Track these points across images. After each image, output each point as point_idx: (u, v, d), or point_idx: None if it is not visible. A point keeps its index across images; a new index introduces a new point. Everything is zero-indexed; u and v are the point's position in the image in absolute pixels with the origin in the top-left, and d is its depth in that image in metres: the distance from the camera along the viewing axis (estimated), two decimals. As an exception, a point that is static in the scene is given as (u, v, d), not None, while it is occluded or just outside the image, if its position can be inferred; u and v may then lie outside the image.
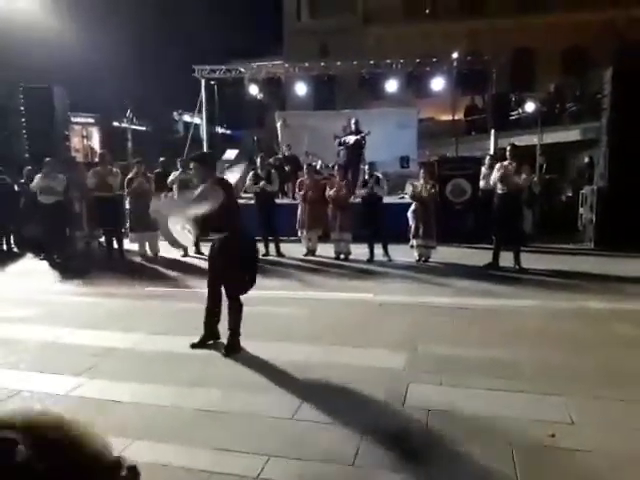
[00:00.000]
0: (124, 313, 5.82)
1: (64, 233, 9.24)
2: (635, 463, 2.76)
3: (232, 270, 4.42)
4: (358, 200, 9.11)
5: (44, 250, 9.28)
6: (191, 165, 4.64)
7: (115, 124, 19.41)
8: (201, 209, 4.12)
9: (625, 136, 9.52)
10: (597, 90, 11.47)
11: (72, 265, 8.66)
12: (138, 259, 9.20)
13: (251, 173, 9.96)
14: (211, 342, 4.66)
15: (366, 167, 9.13)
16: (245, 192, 10.68)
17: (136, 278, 7.63)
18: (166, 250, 9.56)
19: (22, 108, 10.93)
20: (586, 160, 12.65)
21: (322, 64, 15.93)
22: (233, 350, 4.44)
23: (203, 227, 4.43)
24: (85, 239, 9.73)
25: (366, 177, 8.89)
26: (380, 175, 9.03)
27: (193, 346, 4.57)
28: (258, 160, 10.07)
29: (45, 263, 9.00)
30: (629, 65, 14.91)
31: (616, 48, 20.66)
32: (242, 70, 15.42)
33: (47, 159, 8.94)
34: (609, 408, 3.38)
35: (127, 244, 9.62)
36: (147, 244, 9.34)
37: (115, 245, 9.32)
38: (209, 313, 4.65)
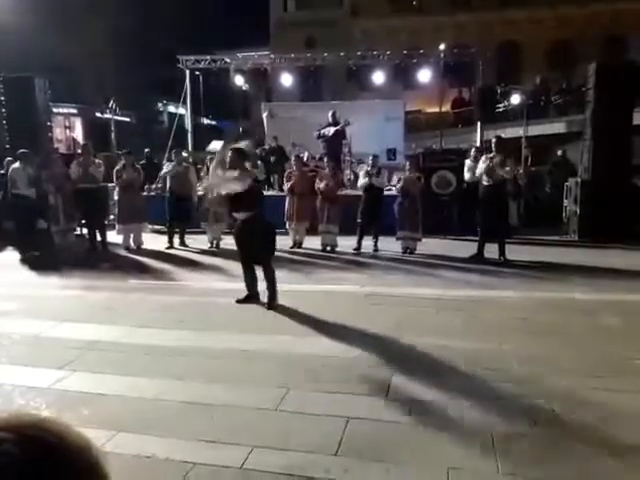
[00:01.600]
0: (107, 306, 5.76)
1: (34, 226, 9.08)
2: (619, 450, 2.79)
3: (265, 240, 5.39)
4: (351, 192, 9.16)
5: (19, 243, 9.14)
6: (230, 154, 5.36)
7: (98, 115, 19.15)
8: (236, 187, 5.20)
9: (608, 129, 9.61)
10: (582, 83, 11.55)
11: (54, 258, 8.54)
12: (122, 251, 9.10)
13: None
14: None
15: (370, 158, 9.13)
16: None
17: (119, 271, 7.56)
18: (150, 243, 9.51)
19: (2, 98, 10.72)
20: (559, 153, 12.75)
21: (308, 55, 15.85)
22: (275, 302, 5.50)
23: (237, 205, 5.37)
24: (60, 233, 9.59)
25: (368, 169, 8.88)
26: (380, 167, 9.09)
27: (239, 301, 5.57)
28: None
29: (25, 256, 8.87)
30: (613, 59, 15.10)
31: (600, 42, 20.86)
32: (227, 60, 15.30)
33: (21, 150, 8.79)
34: (592, 397, 3.42)
35: (113, 236, 9.52)
36: (131, 236, 9.24)
37: (98, 237, 9.20)
38: (252, 275, 5.63)
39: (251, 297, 5.63)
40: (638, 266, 7.36)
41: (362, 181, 8.93)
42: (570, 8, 22.41)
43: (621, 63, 12.33)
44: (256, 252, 5.44)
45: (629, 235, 9.00)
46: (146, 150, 12.55)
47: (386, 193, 10.11)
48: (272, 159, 12.32)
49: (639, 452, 2.79)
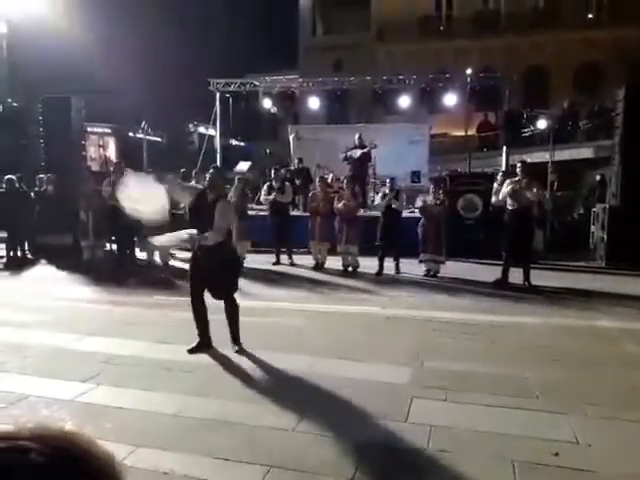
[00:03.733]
0: (132, 321, 5.88)
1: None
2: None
3: (231, 272, 4.84)
4: (374, 213, 9.22)
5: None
6: (210, 172, 5.01)
7: (131, 135, 19.68)
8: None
9: (638, 155, 9.47)
10: (610, 108, 11.44)
11: (83, 273, 8.75)
12: (147, 267, 9.28)
13: (265, 185, 10.21)
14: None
15: (387, 181, 9.19)
16: (259, 203, 10.89)
17: (145, 286, 7.70)
18: (176, 260, 9.67)
19: (40, 118, 11.16)
20: (597, 178, 12.60)
21: (335, 79, 16.08)
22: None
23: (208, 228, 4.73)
24: (90, 248, 9.84)
25: (386, 191, 8.93)
26: (400, 189, 9.14)
27: (191, 351, 4.74)
28: (272, 172, 10.31)
29: (57, 270, 9.12)
30: (643, 83, 14.89)
31: (630, 65, 20.63)
32: (256, 84, 15.61)
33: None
34: (616, 428, 3.35)
35: (140, 253, 9.73)
36: (157, 253, 9.42)
37: (127, 253, 9.41)
38: (205, 318, 4.88)
39: (204, 342, 4.88)
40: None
41: (378, 202, 9.01)
42: (598, 31, 22.28)
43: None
44: (220, 285, 4.78)
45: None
46: (182, 170, 12.83)
47: (409, 215, 10.13)
48: (297, 180, 12.47)
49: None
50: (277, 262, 9.62)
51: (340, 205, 8.95)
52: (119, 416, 3.48)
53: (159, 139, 20.11)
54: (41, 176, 10.57)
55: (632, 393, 3.89)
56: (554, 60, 22.95)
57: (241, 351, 4.73)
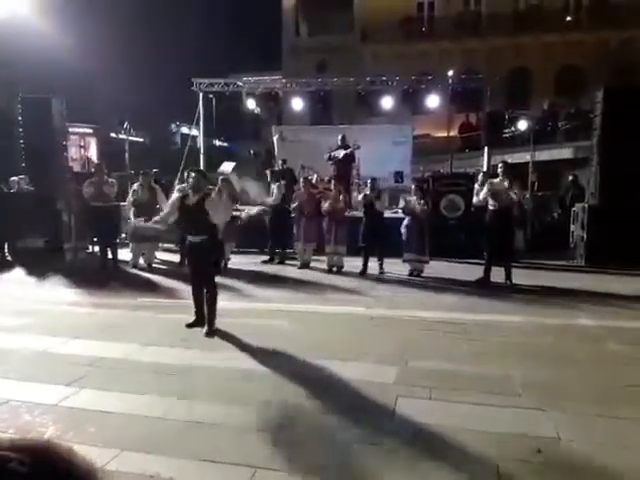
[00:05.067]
0: (116, 324, 5.83)
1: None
2: (625, 478, 2.79)
3: (211, 255, 5.41)
4: (357, 213, 9.26)
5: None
6: (193, 175, 5.39)
7: (112, 135, 19.48)
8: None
9: (615, 155, 9.66)
10: (589, 109, 11.64)
11: (65, 275, 8.65)
12: (132, 269, 9.21)
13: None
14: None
15: (368, 181, 9.24)
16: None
17: (130, 289, 7.64)
18: (159, 261, 9.63)
19: (20, 118, 10.98)
20: (570, 178, 12.80)
21: (319, 80, 16.12)
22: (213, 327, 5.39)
23: (196, 227, 5.29)
24: (72, 250, 9.73)
25: (367, 192, 8.99)
26: (381, 190, 9.20)
27: (189, 326, 5.41)
28: (268, 173, 10.52)
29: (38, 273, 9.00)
30: (621, 85, 15.18)
31: (610, 68, 21.00)
32: (240, 84, 15.58)
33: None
34: (598, 425, 3.41)
35: (124, 254, 9.64)
36: (143, 255, 9.35)
37: (109, 255, 9.32)
38: (202, 301, 5.46)
39: (200, 318, 5.54)
40: (644, 292, 7.34)
41: (358, 202, 9.09)
42: (579, 34, 22.65)
43: (629, 89, 12.40)
44: (203, 268, 5.41)
45: (635, 261, 8.97)
46: (154, 170, 12.71)
47: (392, 215, 10.20)
48: (282, 181, 12.45)
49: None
50: (271, 260, 9.93)
51: (327, 206, 8.98)
52: (103, 420, 3.45)
53: (141, 139, 19.94)
54: (13, 178, 10.44)
55: (613, 390, 3.98)
56: (535, 62, 23.27)
57: (210, 333, 5.26)
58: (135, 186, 9.33)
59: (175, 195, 5.68)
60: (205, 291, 5.40)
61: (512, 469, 2.87)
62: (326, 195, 9.37)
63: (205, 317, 5.41)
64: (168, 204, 5.68)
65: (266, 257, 10.06)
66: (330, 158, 12.13)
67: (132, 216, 9.40)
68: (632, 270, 8.73)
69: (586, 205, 10.15)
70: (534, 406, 3.65)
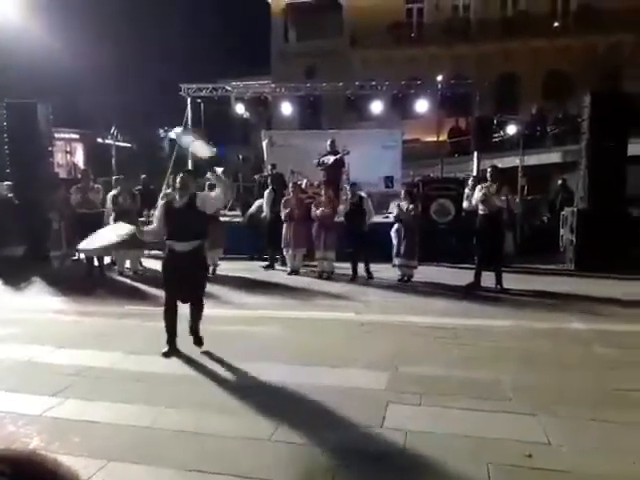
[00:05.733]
0: (103, 332, 5.75)
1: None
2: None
3: (205, 273, 5.14)
4: (341, 219, 9.22)
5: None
6: (180, 176, 4.98)
7: (99, 140, 19.34)
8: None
9: (603, 159, 9.73)
10: (577, 114, 11.73)
11: (52, 283, 8.54)
12: (118, 277, 9.10)
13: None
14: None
15: (348, 187, 9.24)
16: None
17: (115, 296, 7.55)
18: (146, 268, 9.53)
19: (5, 123, 10.85)
20: (560, 182, 12.88)
21: (308, 85, 16.14)
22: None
23: (185, 233, 4.80)
24: (60, 258, 9.62)
25: (349, 197, 8.98)
26: (364, 195, 9.14)
27: (166, 355, 4.80)
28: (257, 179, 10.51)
29: (24, 281, 8.87)
30: (608, 90, 15.34)
31: (597, 72, 21.23)
32: (228, 89, 15.56)
33: None
34: (587, 429, 3.40)
35: (108, 261, 9.54)
36: (128, 262, 9.25)
37: (95, 262, 9.21)
38: (176, 321, 4.93)
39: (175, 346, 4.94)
40: (633, 296, 7.38)
41: (342, 209, 9.08)
42: (567, 39, 22.88)
43: (615, 93, 12.53)
44: (196, 287, 4.92)
45: (624, 265, 9.02)
46: (142, 176, 12.63)
47: (383, 220, 10.20)
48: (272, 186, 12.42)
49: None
50: (271, 266, 9.93)
51: (318, 212, 8.94)
52: (89, 430, 3.39)
53: (129, 145, 19.80)
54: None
55: (602, 394, 3.97)
56: (524, 67, 23.46)
57: (200, 341, 4.97)
58: (115, 192, 9.22)
59: (159, 203, 5.16)
60: (191, 305, 4.93)
61: (502, 474, 2.85)
62: (317, 201, 9.33)
63: (190, 330, 5.02)
64: (155, 216, 5.07)
65: (261, 263, 10.08)
66: (319, 163, 12.11)
67: (112, 222, 9.31)
68: (621, 274, 8.78)
69: (575, 209, 10.21)
70: (524, 411, 3.63)
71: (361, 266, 8.82)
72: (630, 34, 22.04)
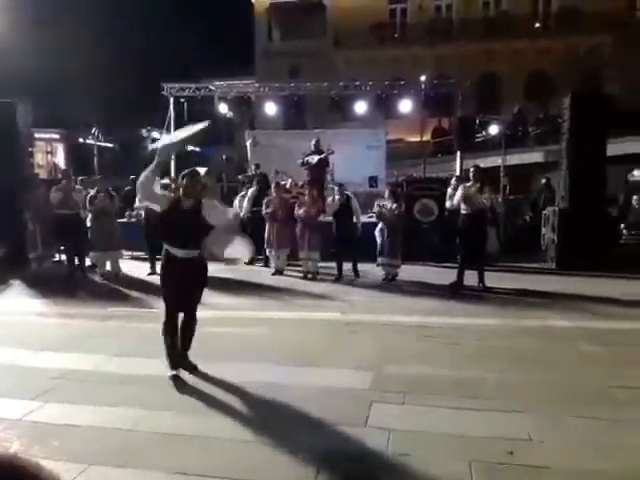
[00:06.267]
0: (85, 334, 5.68)
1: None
2: (594, 477, 2.81)
3: (205, 283, 4.54)
4: (329, 219, 9.23)
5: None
6: (187, 176, 4.40)
7: (81, 140, 19.09)
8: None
9: (584, 159, 9.87)
10: (558, 114, 11.88)
11: (32, 285, 8.41)
12: (99, 279, 9.00)
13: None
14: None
15: (336, 188, 9.25)
16: None
17: (98, 298, 7.47)
18: (128, 270, 9.44)
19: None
20: (543, 181, 13.05)
21: (292, 85, 16.12)
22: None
23: (190, 239, 4.29)
24: (38, 259, 9.48)
25: (337, 197, 8.99)
26: (351, 195, 9.18)
27: (176, 378, 4.25)
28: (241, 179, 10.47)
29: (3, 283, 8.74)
30: (588, 91, 15.56)
31: (577, 73, 21.53)
32: (212, 88, 15.48)
33: None
34: (569, 426, 3.45)
35: (88, 263, 9.43)
36: (108, 263, 9.16)
37: (77, 263, 9.10)
38: (177, 333, 4.41)
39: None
40: (613, 294, 7.50)
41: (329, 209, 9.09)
42: (548, 40, 23.18)
43: (595, 94, 12.70)
44: (197, 296, 4.48)
45: (604, 263, 9.16)
46: (132, 177, 12.57)
47: (367, 220, 10.22)
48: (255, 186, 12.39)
49: (604, 479, 2.81)
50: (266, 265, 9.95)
51: (301, 212, 8.93)
52: (71, 434, 3.35)
53: (111, 145, 19.59)
54: None
55: (584, 390, 4.03)
56: (505, 67, 23.71)
57: (191, 367, 4.44)
58: (92, 192, 9.13)
59: (165, 192, 4.38)
60: (186, 317, 4.46)
61: (485, 471, 2.87)
62: (301, 201, 9.33)
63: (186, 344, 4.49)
64: (158, 193, 4.37)
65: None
66: (303, 163, 12.11)
67: (89, 222, 9.21)
68: (601, 272, 8.91)
69: (556, 208, 10.34)
70: (507, 408, 3.67)
71: (348, 265, 8.85)
72: (610, 36, 22.40)
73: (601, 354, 4.95)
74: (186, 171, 4.48)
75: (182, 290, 4.30)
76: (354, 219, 8.91)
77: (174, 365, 4.31)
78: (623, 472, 2.87)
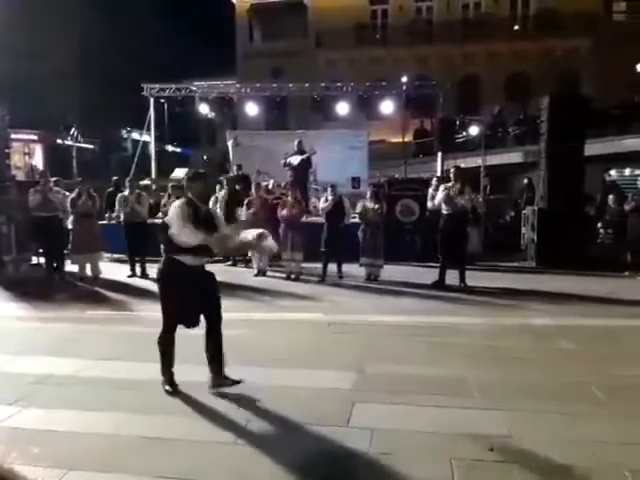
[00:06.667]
0: (65, 338, 5.59)
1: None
2: (570, 474, 2.86)
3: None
4: (317, 219, 9.24)
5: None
6: (199, 178, 4.15)
7: (59, 141, 18.80)
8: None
9: (561, 160, 10.03)
10: (537, 115, 12.05)
11: (8, 289, 8.26)
12: (79, 282, 8.87)
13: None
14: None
15: (329, 189, 9.27)
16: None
17: (78, 301, 7.36)
18: (111, 272, 9.33)
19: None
20: (525, 181, 13.23)
21: (274, 85, 16.10)
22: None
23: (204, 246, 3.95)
24: (14, 262, 9.32)
25: (329, 197, 9.00)
26: (342, 196, 9.20)
27: (172, 393, 4.02)
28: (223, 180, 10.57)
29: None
30: (566, 93, 15.82)
31: (555, 75, 21.87)
32: (193, 89, 15.38)
33: None
34: (547, 421, 3.50)
35: (70, 266, 9.29)
36: (88, 266, 9.03)
37: (55, 266, 8.96)
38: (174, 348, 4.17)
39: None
40: (592, 292, 7.65)
41: (324, 205, 9.07)
42: (526, 43, 23.51)
43: (573, 96, 12.93)
44: (217, 309, 4.17)
45: (583, 262, 9.33)
46: (114, 178, 12.50)
47: (351, 221, 10.25)
48: (237, 187, 12.35)
49: (582, 474, 2.85)
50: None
51: (284, 212, 8.92)
52: (49, 439, 3.29)
53: (90, 146, 19.33)
54: None
55: (563, 387, 4.09)
56: (485, 69, 24.00)
57: (229, 382, 4.11)
58: (74, 194, 9.01)
59: (181, 203, 3.92)
60: (213, 334, 4.17)
61: (465, 468, 2.90)
62: (283, 201, 9.31)
63: (215, 371, 4.15)
64: (181, 217, 3.84)
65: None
66: (286, 164, 12.11)
67: (70, 224, 9.08)
68: (579, 270, 9.07)
69: (536, 208, 10.48)
70: (488, 406, 3.71)
71: (332, 265, 8.87)
72: (587, 38, 22.80)
73: (580, 351, 5.03)
74: (194, 172, 4.27)
75: (197, 299, 4.00)
76: (345, 219, 8.95)
77: (170, 381, 4.08)
78: (602, 467, 2.92)
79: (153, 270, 9.15)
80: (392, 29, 25.40)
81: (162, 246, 4.21)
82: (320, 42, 24.77)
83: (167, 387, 4.07)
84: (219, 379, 4.10)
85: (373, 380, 4.22)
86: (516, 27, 24.73)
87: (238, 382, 4.08)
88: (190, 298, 3.96)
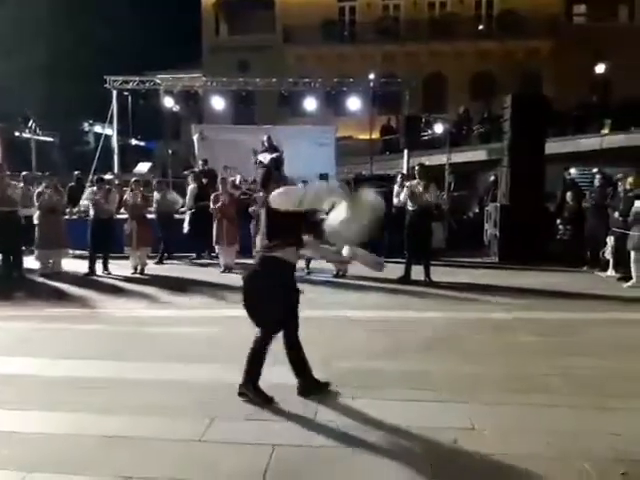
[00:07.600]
0: (26, 337, 5.44)
1: None
2: (531, 461, 2.94)
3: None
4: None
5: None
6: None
7: (16, 134, 18.14)
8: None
9: (523, 158, 10.28)
10: (500, 114, 12.31)
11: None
12: (39, 279, 8.63)
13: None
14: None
15: (300, 184, 9.23)
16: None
17: (38, 299, 7.17)
18: (69, 269, 9.10)
19: None
20: (492, 178, 13.51)
21: (240, 79, 15.95)
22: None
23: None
24: None
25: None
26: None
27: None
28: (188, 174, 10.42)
29: None
30: (527, 93, 16.20)
31: (518, 75, 22.38)
32: (157, 82, 15.10)
33: None
34: (509, 412, 3.60)
35: (30, 262, 9.02)
36: (51, 261, 8.79)
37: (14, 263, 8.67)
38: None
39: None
40: (552, 286, 7.89)
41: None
42: (490, 43, 23.97)
43: (534, 95, 13.26)
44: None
45: (543, 257, 9.60)
46: (76, 172, 12.21)
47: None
48: (204, 181, 12.20)
49: (539, 462, 2.95)
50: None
51: (255, 207, 8.86)
52: (8, 441, 3.20)
53: (51, 139, 18.74)
54: None
55: (525, 378, 4.21)
56: (451, 68, 24.37)
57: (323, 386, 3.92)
58: (40, 188, 8.77)
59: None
60: (295, 334, 4.10)
61: (429, 461, 2.95)
62: (255, 197, 9.24)
63: (307, 379, 3.94)
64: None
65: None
66: (256, 162, 12.02)
67: (36, 220, 8.84)
68: (540, 266, 9.33)
69: (498, 205, 10.72)
70: (451, 399, 3.78)
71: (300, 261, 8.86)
72: (548, 40, 23.41)
73: (539, 344, 5.19)
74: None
75: (293, 301, 3.92)
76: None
77: (263, 395, 3.73)
78: (559, 456, 3.02)
79: (114, 267, 9.04)
80: (360, 26, 25.50)
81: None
82: (288, 37, 24.66)
83: (253, 390, 3.75)
84: (314, 385, 3.92)
85: (340, 374, 4.25)
86: (480, 27, 25.17)
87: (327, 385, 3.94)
88: (293, 298, 3.94)
